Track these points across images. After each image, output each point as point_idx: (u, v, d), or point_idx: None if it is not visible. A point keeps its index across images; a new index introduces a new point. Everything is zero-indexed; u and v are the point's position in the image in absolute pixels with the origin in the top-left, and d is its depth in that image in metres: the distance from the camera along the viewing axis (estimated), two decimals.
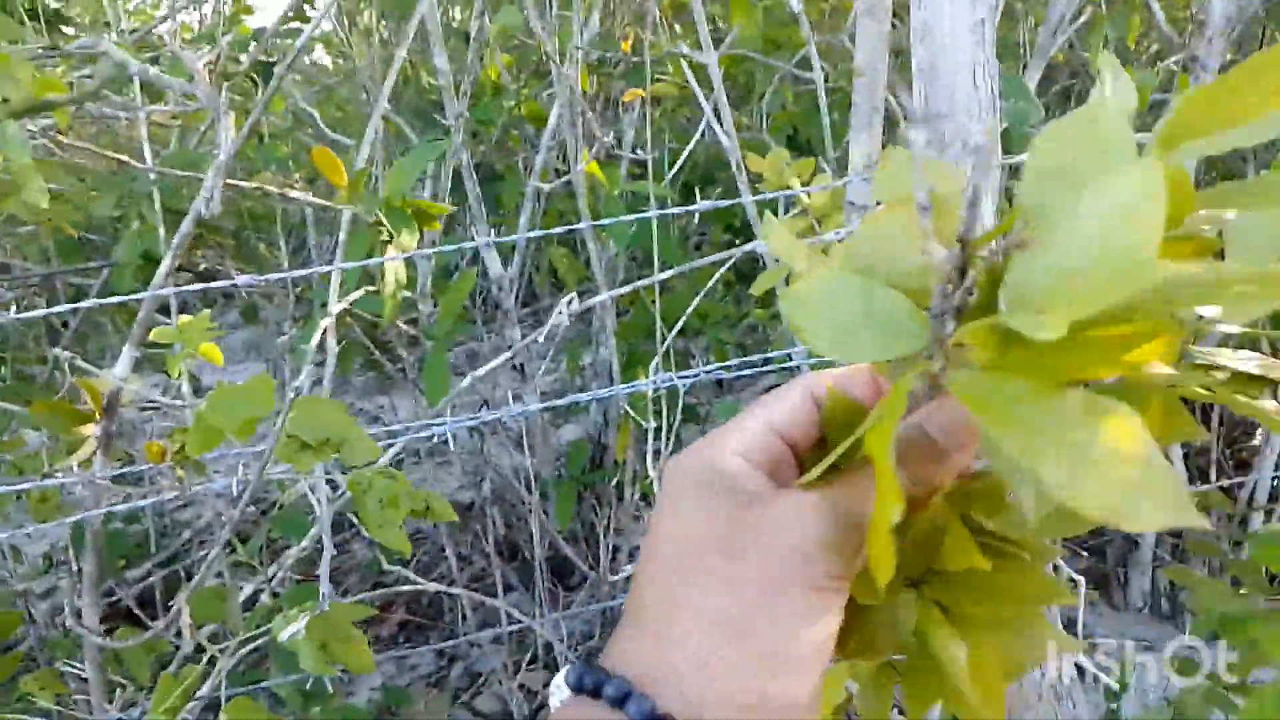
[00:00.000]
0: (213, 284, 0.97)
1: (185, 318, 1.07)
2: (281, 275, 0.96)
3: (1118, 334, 0.24)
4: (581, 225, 1.27)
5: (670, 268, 1.15)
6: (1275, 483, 1.70)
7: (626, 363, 1.92)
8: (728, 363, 1.27)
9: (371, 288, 1.12)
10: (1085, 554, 1.87)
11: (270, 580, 1.05)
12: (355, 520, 1.98)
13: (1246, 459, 2.04)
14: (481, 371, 0.93)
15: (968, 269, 0.26)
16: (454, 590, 1.50)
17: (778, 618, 0.30)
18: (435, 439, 0.97)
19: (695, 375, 1.25)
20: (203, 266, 2.22)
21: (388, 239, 1.05)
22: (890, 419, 0.26)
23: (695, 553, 0.31)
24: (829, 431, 0.34)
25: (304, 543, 1.04)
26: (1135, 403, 0.23)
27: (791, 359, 1.48)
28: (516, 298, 1.76)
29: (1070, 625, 1.82)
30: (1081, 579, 1.23)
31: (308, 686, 1.14)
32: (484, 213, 1.57)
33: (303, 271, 0.97)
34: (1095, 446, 0.21)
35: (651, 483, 1.29)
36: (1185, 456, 1.90)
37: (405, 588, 1.58)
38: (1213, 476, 1.73)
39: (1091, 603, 1.81)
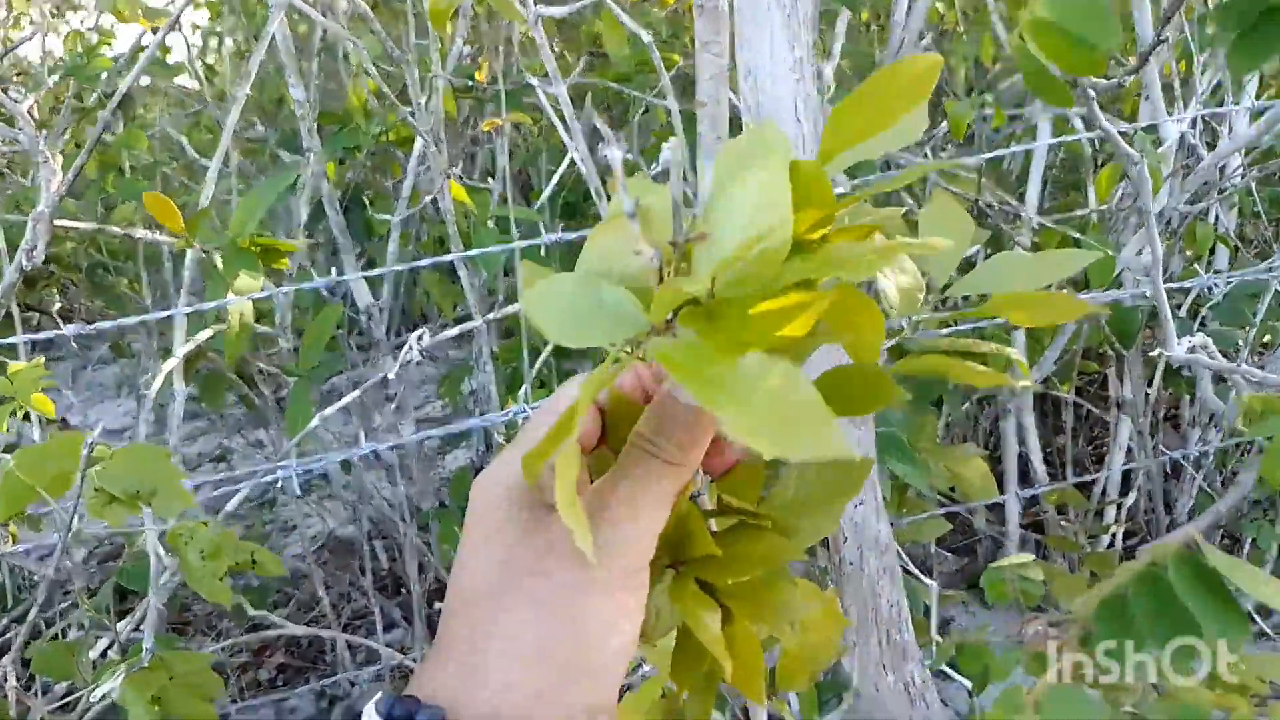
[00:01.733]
0: (36, 335, 0.92)
1: (20, 365, 1.01)
2: (117, 323, 0.91)
3: (778, 306, 0.28)
4: (446, 258, 1.26)
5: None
6: (1129, 476, 1.80)
7: (510, 387, 1.90)
8: None
9: (221, 325, 1.08)
10: (955, 555, 1.94)
11: (118, 635, 1.00)
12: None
13: (1104, 455, 2.16)
14: (329, 410, 0.91)
15: (671, 263, 0.31)
16: (327, 632, 1.45)
17: (581, 630, 0.31)
18: (281, 483, 0.94)
19: None
20: (58, 306, 2.11)
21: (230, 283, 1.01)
22: (566, 434, 0.29)
23: (500, 578, 0.32)
24: (611, 427, 0.37)
25: (149, 596, 0.99)
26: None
27: None
28: (390, 328, 1.73)
29: (944, 626, 1.89)
30: (933, 583, 1.27)
31: None
32: (349, 243, 1.54)
33: (135, 319, 0.93)
34: (761, 392, 0.25)
35: None
36: (1046, 456, 2.00)
37: (275, 632, 1.53)
38: (1068, 475, 1.82)
39: (964, 603, 1.88)
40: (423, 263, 1.22)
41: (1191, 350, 0.81)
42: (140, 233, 1.02)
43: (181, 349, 0.99)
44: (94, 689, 0.78)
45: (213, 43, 2.56)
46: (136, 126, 1.80)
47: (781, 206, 0.28)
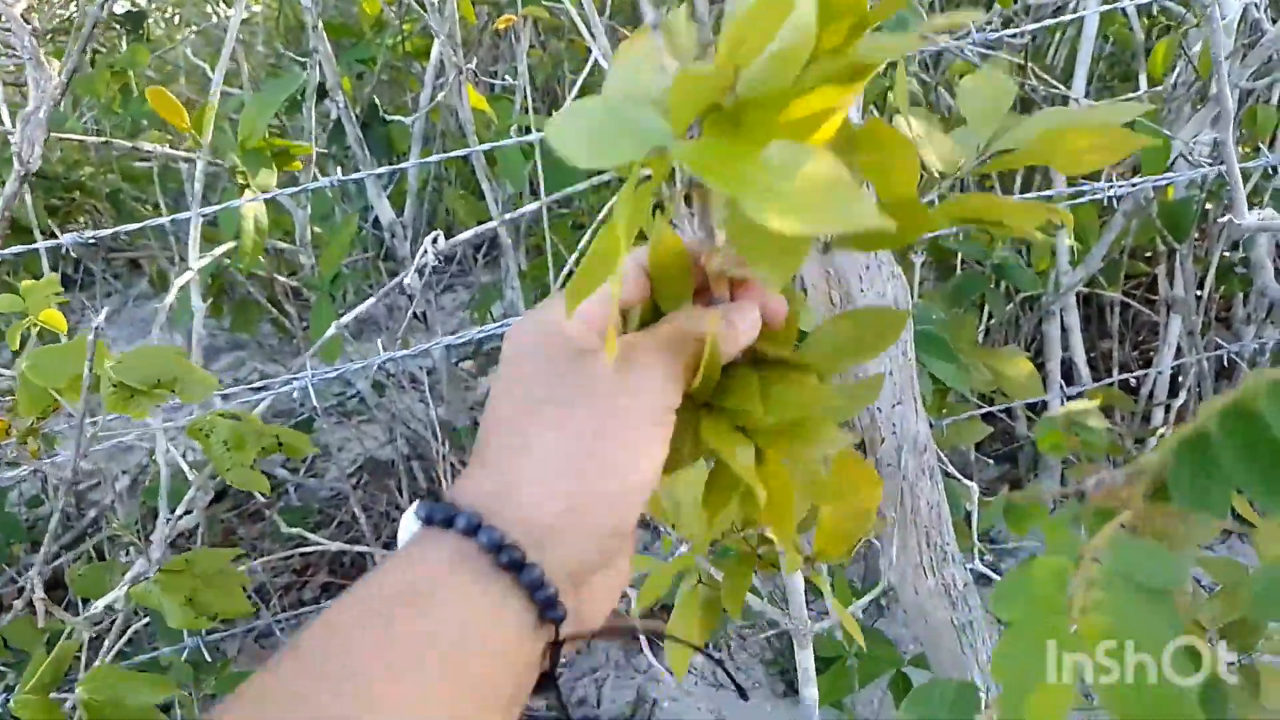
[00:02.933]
0: (38, 244, 0.90)
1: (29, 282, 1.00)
2: (116, 230, 0.89)
3: (804, 106, 0.28)
4: (465, 151, 1.21)
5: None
6: (1178, 377, 1.74)
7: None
8: None
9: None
10: (996, 462, 1.90)
11: (148, 552, 1.00)
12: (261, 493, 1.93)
13: (1152, 360, 2.09)
14: (348, 317, 0.89)
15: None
16: (364, 548, 1.46)
17: (608, 458, 0.33)
18: (297, 393, 0.93)
19: None
20: (89, 233, 2.11)
21: (245, 184, 0.99)
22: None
23: (536, 403, 0.35)
24: (656, 280, 0.38)
25: (179, 510, 0.99)
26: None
27: None
28: (414, 245, 1.71)
29: (984, 535, 1.86)
30: (973, 485, 1.24)
31: (183, 656, 1.10)
32: (367, 155, 1.50)
33: (135, 225, 0.90)
34: (790, 175, 0.25)
35: None
36: (1091, 361, 1.94)
37: (314, 548, 1.55)
38: (1115, 377, 1.76)
39: (1005, 510, 1.85)
40: (440, 157, 1.18)
41: (1266, 222, 0.75)
42: (148, 145, 1.00)
43: (196, 261, 0.97)
44: (116, 604, 0.78)
45: None
46: (150, 47, 1.76)
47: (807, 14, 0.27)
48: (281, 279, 1.42)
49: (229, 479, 0.69)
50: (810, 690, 0.71)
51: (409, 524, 0.35)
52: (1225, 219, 0.73)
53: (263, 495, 1.89)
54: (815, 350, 0.41)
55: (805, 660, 0.69)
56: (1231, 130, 0.71)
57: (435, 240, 0.84)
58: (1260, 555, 0.85)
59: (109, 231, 0.89)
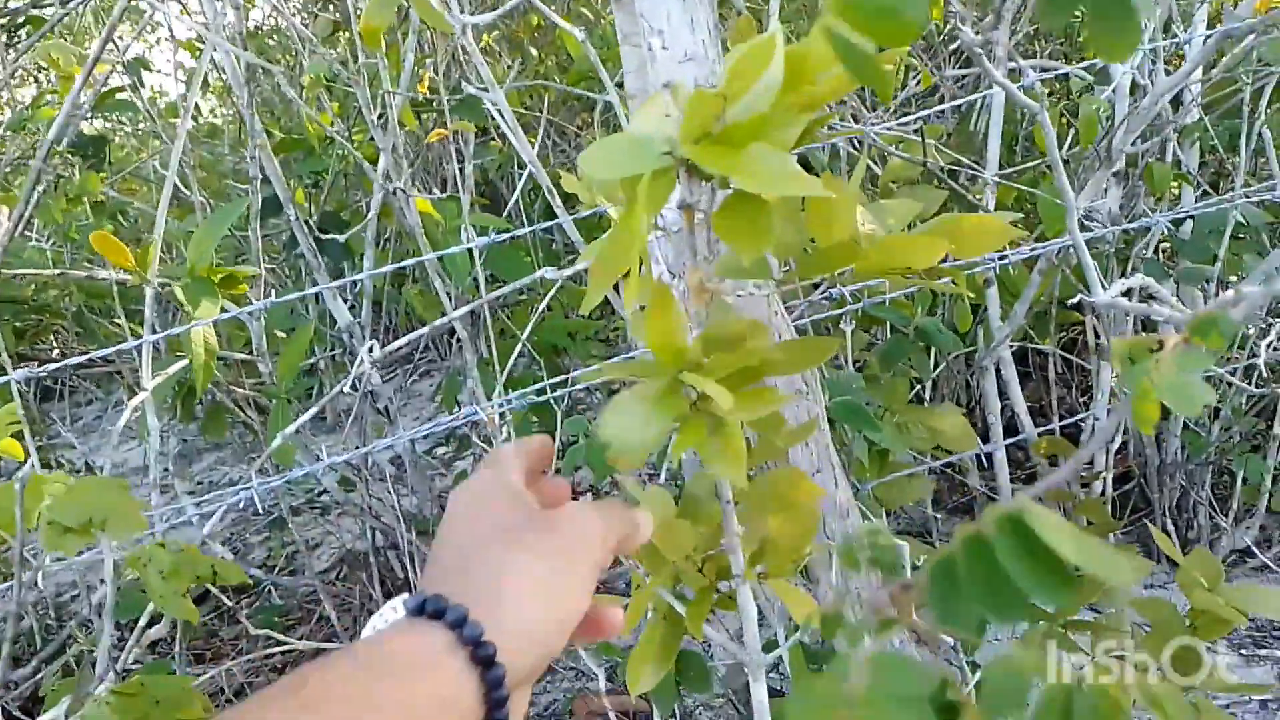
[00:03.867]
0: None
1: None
2: (69, 362, 0.95)
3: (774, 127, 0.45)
4: (410, 261, 1.28)
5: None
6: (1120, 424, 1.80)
7: (507, 385, 1.93)
8: (561, 377, 1.30)
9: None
10: (952, 514, 1.95)
11: (113, 665, 1.03)
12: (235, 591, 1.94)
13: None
14: (292, 426, 0.94)
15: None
16: (334, 646, 1.49)
17: (570, 585, 0.41)
18: (244, 503, 0.97)
19: (527, 392, 1.28)
20: (56, 352, 2.16)
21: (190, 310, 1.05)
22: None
23: (511, 534, 0.42)
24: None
25: (142, 620, 1.03)
26: None
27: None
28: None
29: None
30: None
31: None
32: (320, 262, 1.57)
33: (100, 352, 0.96)
34: (761, 163, 0.42)
35: None
36: (1041, 409, 2.00)
37: (283, 649, 1.56)
38: (1055, 425, 1.83)
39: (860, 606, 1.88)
40: (387, 269, 1.25)
41: (1126, 293, 0.82)
42: (103, 273, 1.06)
43: (150, 383, 1.02)
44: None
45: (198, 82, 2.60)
46: (114, 168, 1.84)
47: (773, 59, 0.43)
48: (240, 390, 1.47)
49: (160, 606, 0.73)
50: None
51: (387, 614, 0.42)
52: (1076, 299, 0.80)
53: (232, 598, 1.89)
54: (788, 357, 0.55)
55: (759, 693, 0.73)
56: (1074, 219, 0.78)
57: (370, 350, 0.90)
58: (1185, 592, 0.89)
59: (56, 365, 0.94)
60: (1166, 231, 1.55)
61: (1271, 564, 1.72)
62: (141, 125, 3.04)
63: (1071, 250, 1.56)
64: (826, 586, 1.06)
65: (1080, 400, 2.16)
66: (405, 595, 0.41)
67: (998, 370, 1.74)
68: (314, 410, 0.95)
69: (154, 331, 1.08)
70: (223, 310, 1.06)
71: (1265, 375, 1.53)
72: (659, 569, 0.76)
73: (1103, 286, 1.53)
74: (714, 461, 0.53)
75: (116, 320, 1.83)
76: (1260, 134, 1.55)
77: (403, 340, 0.99)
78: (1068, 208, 0.77)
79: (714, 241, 0.61)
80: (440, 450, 2.96)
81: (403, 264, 1.32)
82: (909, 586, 0.44)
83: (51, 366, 0.92)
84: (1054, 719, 0.37)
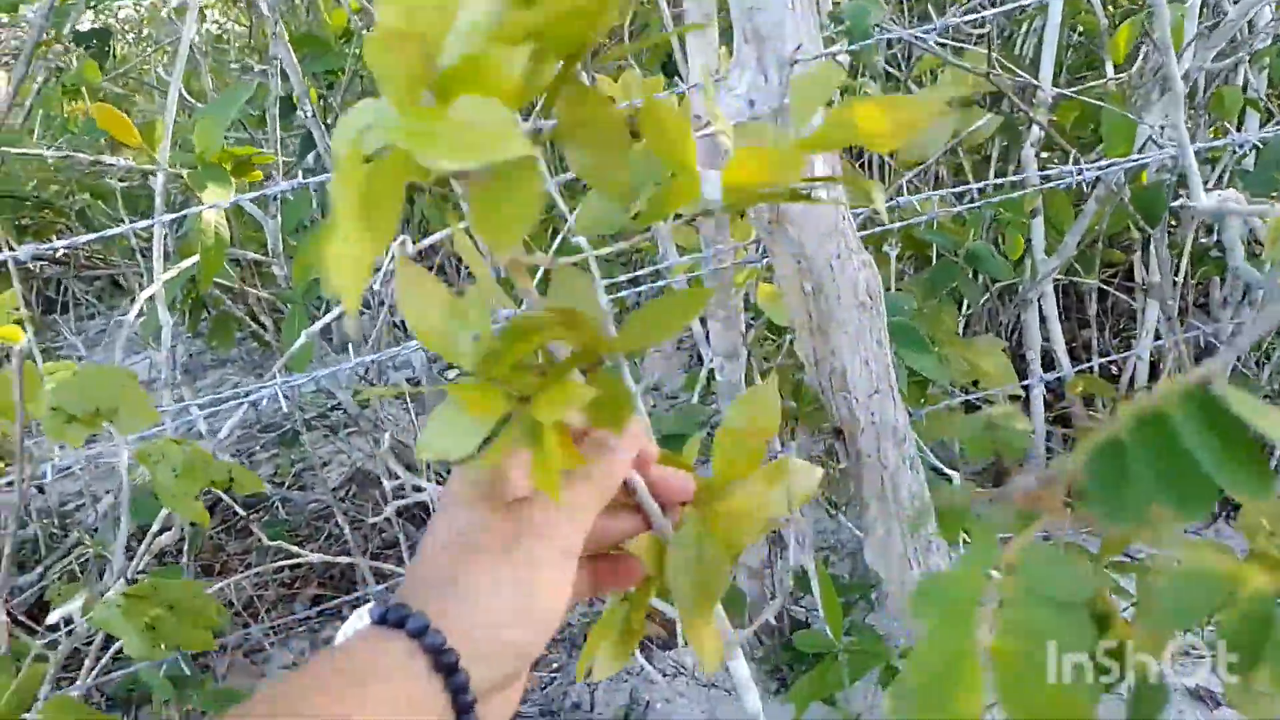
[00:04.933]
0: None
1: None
2: (74, 241, 0.88)
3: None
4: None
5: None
6: (1158, 363, 1.74)
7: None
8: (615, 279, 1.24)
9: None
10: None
11: (126, 571, 0.99)
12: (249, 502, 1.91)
13: (1132, 346, 2.09)
14: (317, 326, 0.88)
15: None
16: (347, 559, 1.45)
17: (537, 580, 0.40)
18: (266, 401, 0.92)
19: None
20: (61, 252, 2.09)
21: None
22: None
23: (479, 535, 0.41)
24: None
25: (154, 526, 0.98)
26: None
27: (666, 276, 1.45)
28: None
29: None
30: (954, 472, 1.24)
31: (162, 672, 1.09)
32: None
33: (94, 236, 0.89)
34: (461, 122, 0.28)
35: None
36: (1071, 350, 1.94)
37: (297, 560, 1.53)
38: (1094, 364, 1.77)
39: (991, 500, 1.85)
40: None
41: (1221, 204, 0.75)
42: (109, 159, 0.99)
43: (161, 274, 0.96)
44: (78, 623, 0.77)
45: None
46: (117, 65, 1.75)
47: None
48: (255, 292, 1.41)
49: (170, 506, 0.68)
50: (751, 698, 0.71)
51: (357, 621, 0.41)
52: (1179, 201, 0.73)
53: (243, 512, 1.87)
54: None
55: (738, 670, 0.69)
56: (1182, 111, 0.71)
57: (403, 244, 0.84)
58: (1247, 536, 0.84)
59: (64, 243, 0.88)
60: (1229, 164, 1.46)
61: None
62: (146, 29, 2.93)
63: (1123, 183, 1.48)
64: (877, 514, 1.01)
65: (1112, 342, 2.09)
66: (371, 604, 0.41)
67: (1039, 305, 1.67)
68: (337, 313, 0.89)
69: (164, 224, 1.02)
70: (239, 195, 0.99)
71: None
72: None
73: (1169, 228, 1.44)
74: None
75: (121, 219, 1.76)
76: None
77: (436, 237, 0.93)
78: (1175, 100, 0.70)
79: None
80: (453, 372, 2.91)
81: None
82: (1057, 477, 0.38)
83: (59, 244, 0.86)
84: (1250, 637, 0.31)
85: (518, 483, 0.43)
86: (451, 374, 2.62)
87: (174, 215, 0.93)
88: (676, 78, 1.34)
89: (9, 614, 1.81)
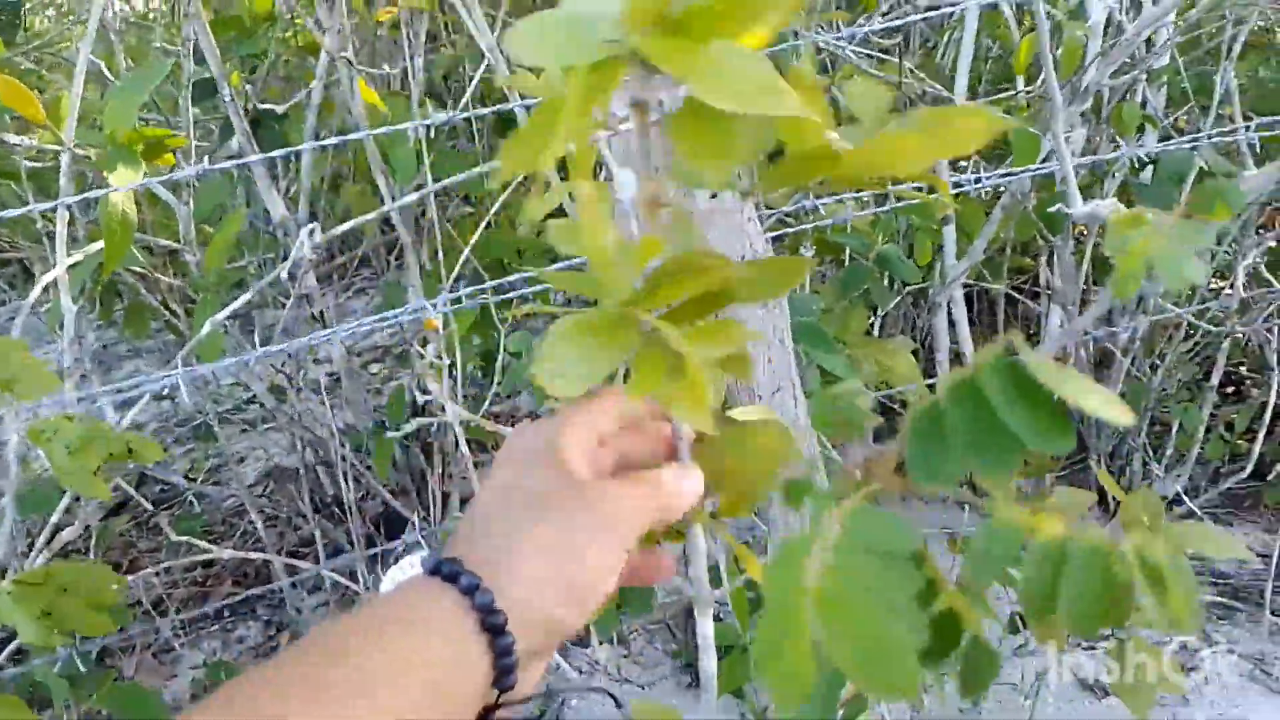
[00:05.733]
0: None
1: None
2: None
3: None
4: (352, 136, 1.20)
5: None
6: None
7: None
8: (487, 285, 1.24)
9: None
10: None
11: (19, 567, 0.96)
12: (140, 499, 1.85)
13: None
14: (224, 313, 0.87)
15: None
16: (261, 556, 1.43)
17: (587, 560, 0.40)
18: (167, 390, 0.90)
19: (457, 297, 1.22)
20: None
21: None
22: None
23: (539, 503, 0.41)
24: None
25: (53, 518, 0.96)
26: None
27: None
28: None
29: None
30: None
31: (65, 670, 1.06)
32: (254, 149, 1.47)
33: (13, 212, 0.87)
34: (728, 67, 0.32)
35: (476, 426, 1.26)
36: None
37: (208, 556, 1.50)
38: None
39: (903, 498, 1.90)
40: (332, 140, 1.16)
41: (1095, 211, 0.79)
42: (11, 136, 0.96)
43: (64, 259, 0.94)
44: None
45: None
46: (31, 38, 1.70)
47: None
48: (168, 280, 1.38)
49: (67, 484, 0.66)
50: (709, 661, 0.72)
51: (406, 568, 0.43)
52: (1056, 208, 0.77)
53: (153, 507, 1.81)
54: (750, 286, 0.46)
55: (704, 628, 0.71)
56: (1061, 122, 0.75)
57: (312, 233, 0.83)
58: (1126, 530, 0.88)
59: None
60: (1126, 176, 1.54)
61: (1198, 511, 1.76)
62: (65, 3, 2.84)
63: (1028, 191, 1.54)
64: (780, 515, 1.04)
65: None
66: (424, 552, 0.41)
67: (948, 309, 1.73)
68: (247, 296, 0.88)
69: (68, 206, 0.99)
70: (147, 179, 0.97)
71: (1220, 316, 1.54)
72: None
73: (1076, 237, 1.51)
74: (674, 407, 0.47)
75: (25, 202, 1.70)
76: (1226, 84, 1.54)
77: (347, 225, 0.92)
78: (1054, 111, 0.74)
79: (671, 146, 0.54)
80: (375, 367, 2.87)
81: (343, 139, 1.24)
82: (885, 449, 0.40)
83: None
84: (1045, 579, 0.33)
85: (580, 468, 0.43)
86: (374, 368, 2.59)
87: (79, 198, 0.91)
88: None
89: None
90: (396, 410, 1.97)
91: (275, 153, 1.15)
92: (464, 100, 1.67)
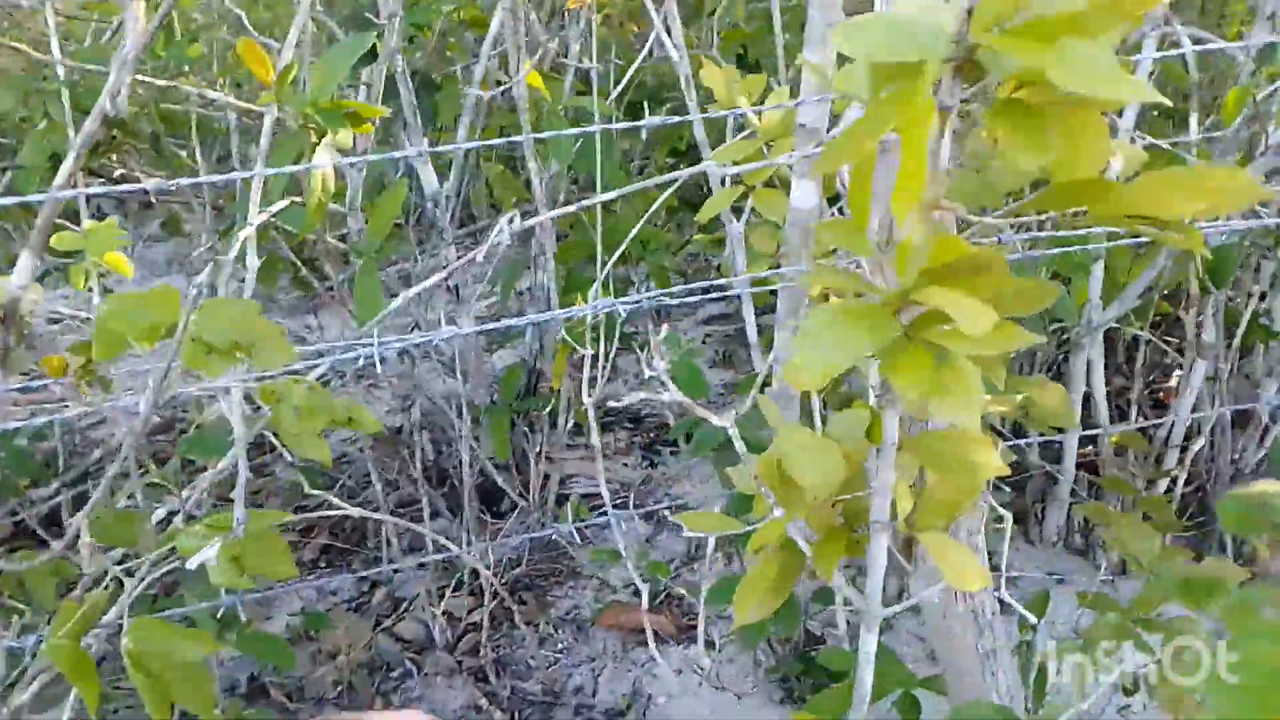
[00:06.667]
0: (119, 187, 0.89)
1: (93, 224, 0.99)
2: (198, 180, 0.88)
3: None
4: (520, 138, 1.21)
5: (613, 189, 1.11)
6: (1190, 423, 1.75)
7: (565, 288, 1.87)
8: (669, 290, 1.24)
9: (297, 198, 1.05)
10: (1007, 489, 1.91)
11: (186, 503, 1.00)
12: (276, 443, 1.91)
13: (1163, 399, 2.10)
14: (414, 290, 0.88)
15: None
16: (378, 515, 1.46)
17: None
18: (363, 361, 0.92)
19: (636, 302, 1.22)
20: (118, 173, 2.08)
21: (317, 142, 0.98)
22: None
23: None
24: None
25: (221, 464, 0.98)
26: None
27: (732, 288, 1.45)
28: (452, 216, 1.69)
29: (992, 558, 1.87)
30: (1008, 514, 1.25)
31: (219, 614, 1.09)
32: (419, 123, 1.49)
33: (220, 177, 0.90)
34: (1082, 58, 0.38)
35: (586, 411, 1.26)
36: (1109, 397, 1.95)
37: (328, 512, 1.54)
38: (1132, 417, 1.77)
39: (1010, 538, 1.86)
40: (495, 140, 1.17)
41: None
42: (214, 94, 0.98)
43: (257, 218, 0.96)
44: (168, 553, 0.78)
45: None
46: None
47: None
48: (328, 240, 1.41)
49: (292, 446, 0.68)
50: (866, 673, 0.72)
51: None
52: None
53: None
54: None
55: (868, 644, 0.71)
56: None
57: (511, 220, 0.84)
58: None
59: (193, 180, 0.88)
60: None
61: None
62: None
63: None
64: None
65: (1144, 394, 2.10)
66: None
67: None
68: (438, 278, 0.89)
69: (265, 164, 1.02)
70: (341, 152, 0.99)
71: None
72: (793, 502, 0.72)
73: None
74: (940, 400, 0.47)
75: (189, 150, 1.75)
76: None
77: (544, 216, 0.93)
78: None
79: (955, 159, 0.55)
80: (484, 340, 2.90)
81: (513, 139, 1.24)
82: None
83: (187, 181, 0.86)
84: None
85: None
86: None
87: (281, 169, 0.93)
88: (772, 79, 1.33)
89: (27, 525, 1.82)
90: (510, 387, 1.99)
91: (444, 147, 1.16)
92: (618, 89, 1.66)
